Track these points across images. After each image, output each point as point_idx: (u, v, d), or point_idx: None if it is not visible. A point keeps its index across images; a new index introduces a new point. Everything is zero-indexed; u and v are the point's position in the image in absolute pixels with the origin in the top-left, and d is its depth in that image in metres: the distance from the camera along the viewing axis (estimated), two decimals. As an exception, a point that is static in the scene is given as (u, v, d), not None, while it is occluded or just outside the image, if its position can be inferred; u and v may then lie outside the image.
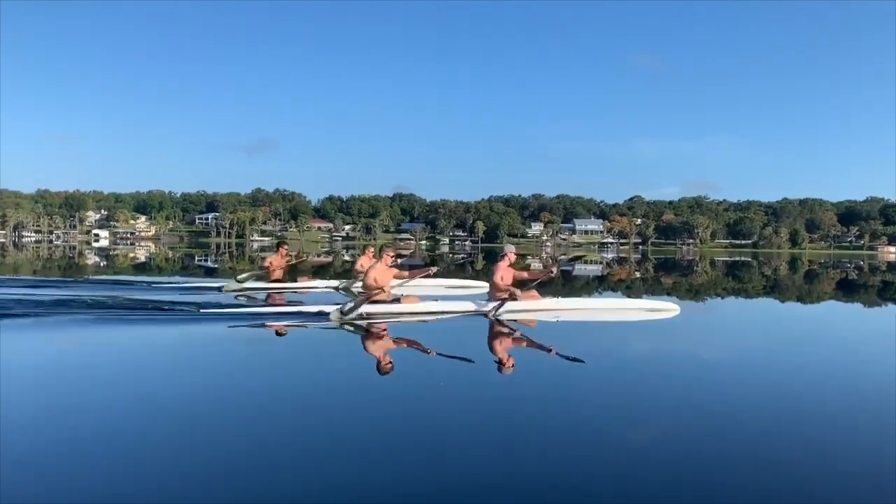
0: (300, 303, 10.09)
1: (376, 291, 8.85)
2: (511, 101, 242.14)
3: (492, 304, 9.16)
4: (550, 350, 6.51)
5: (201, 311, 8.54)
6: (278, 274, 12.69)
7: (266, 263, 12.79)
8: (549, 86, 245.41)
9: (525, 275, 9.70)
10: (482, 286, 10.40)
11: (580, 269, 30.62)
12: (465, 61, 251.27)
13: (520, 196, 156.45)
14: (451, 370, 5.75)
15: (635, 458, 3.51)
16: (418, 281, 12.20)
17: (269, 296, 11.53)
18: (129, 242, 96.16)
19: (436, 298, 9.45)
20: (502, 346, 7.13)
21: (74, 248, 57.30)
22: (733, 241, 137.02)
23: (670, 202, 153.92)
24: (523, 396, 4.85)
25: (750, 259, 54.56)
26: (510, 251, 9.63)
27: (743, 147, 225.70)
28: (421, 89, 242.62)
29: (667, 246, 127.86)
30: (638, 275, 25.65)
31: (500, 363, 6.08)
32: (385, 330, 7.94)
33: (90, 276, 17.03)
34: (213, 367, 5.84)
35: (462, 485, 3.10)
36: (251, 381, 5.26)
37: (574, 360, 5.98)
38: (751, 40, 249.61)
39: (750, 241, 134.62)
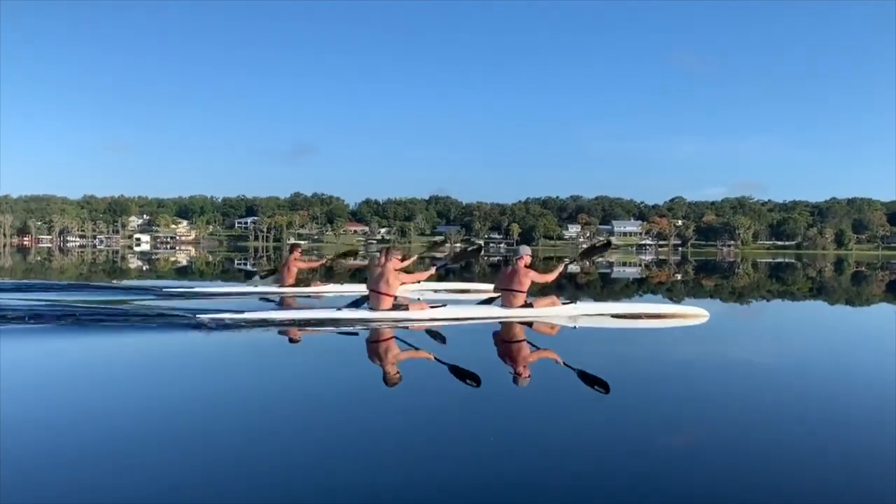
0: (308, 307, 9.78)
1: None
2: (551, 102, 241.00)
3: (507, 311, 8.76)
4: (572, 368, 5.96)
5: (198, 316, 8.12)
6: (291, 278, 12.43)
7: (284, 269, 12.53)
8: (590, 86, 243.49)
9: (541, 278, 9.15)
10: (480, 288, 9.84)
11: (618, 270, 30.17)
12: (505, 62, 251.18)
13: (557, 198, 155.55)
14: (460, 380, 5.45)
15: (655, 478, 3.25)
16: (427, 285, 11.90)
17: (282, 300, 11.26)
18: (169, 247, 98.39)
19: (444, 304, 8.93)
20: (516, 355, 6.75)
21: (116, 252, 58.71)
22: (776, 242, 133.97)
23: (712, 203, 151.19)
24: (538, 408, 4.57)
25: (793, 261, 53.20)
26: (525, 253, 9.07)
27: (791, 146, 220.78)
28: (460, 91, 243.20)
29: (707, 247, 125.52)
30: (679, 277, 25.06)
31: (516, 373, 5.73)
32: (392, 337, 7.53)
33: (86, 280, 16.75)
34: (208, 376, 5.59)
35: (473, 497, 2.94)
36: (248, 389, 5.06)
37: (596, 381, 5.14)
38: (798, 37, 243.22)
39: (793, 243, 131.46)
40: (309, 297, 11.69)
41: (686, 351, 7.29)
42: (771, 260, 54.88)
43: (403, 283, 8.80)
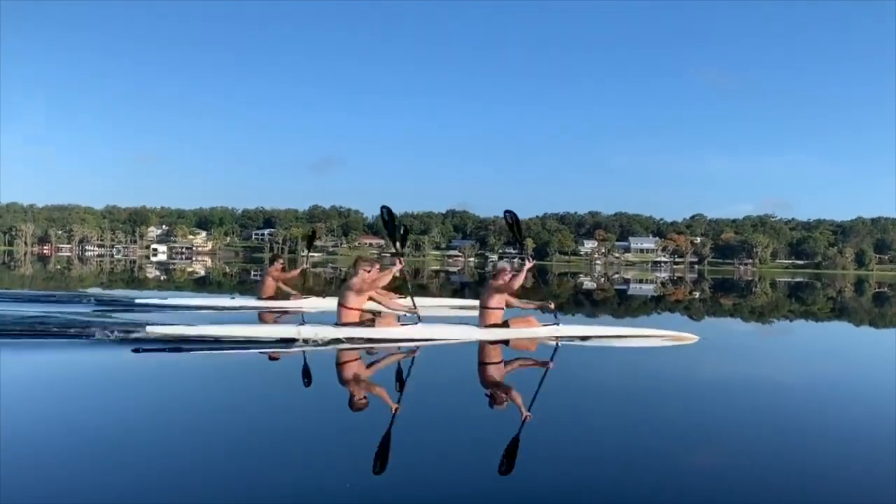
0: (270, 323, 9.42)
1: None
2: (576, 117, 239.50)
3: (482, 332, 8.19)
4: (549, 364, 5.78)
5: (148, 328, 7.67)
6: (271, 291, 11.88)
7: (262, 282, 12.08)
8: (616, 101, 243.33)
9: (518, 303, 8.71)
10: (476, 304, 9.15)
11: (634, 287, 29.91)
12: (529, 77, 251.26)
13: (575, 213, 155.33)
14: (434, 404, 5.14)
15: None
16: (419, 301, 11.62)
17: (259, 315, 10.79)
18: (184, 257, 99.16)
19: (417, 321, 8.34)
20: (491, 376, 6.38)
21: (134, 262, 59.17)
22: (796, 261, 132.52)
23: (733, 220, 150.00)
24: (512, 433, 4.18)
25: (811, 280, 52.46)
26: (504, 269, 8.55)
27: (822, 164, 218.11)
28: (486, 106, 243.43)
29: (724, 266, 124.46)
30: (696, 296, 24.78)
31: (490, 396, 5.40)
32: (358, 357, 7.08)
33: (20, 289, 16.06)
34: (151, 399, 5.15)
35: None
36: (188, 412, 4.75)
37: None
38: (831, 54, 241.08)
39: (812, 262, 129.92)
40: (286, 311, 11.07)
41: (672, 374, 6.95)
42: (789, 279, 54.15)
43: (372, 298, 8.32)
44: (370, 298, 8.38)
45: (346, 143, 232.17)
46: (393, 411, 4.66)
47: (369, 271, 8.18)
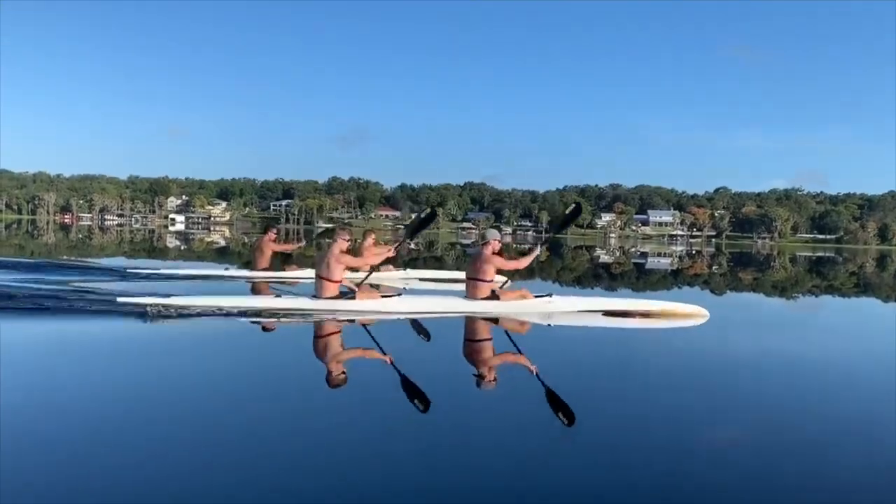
0: (252, 295, 9.13)
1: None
2: (607, 92, 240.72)
3: (471, 304, 7.84)
4: (534, 371, 5.10)
5: (119, 300, 7.38)
6: (265, 261, 11.56)
7: (256, 252, 11.76)
8: (649, 76, 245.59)
9: (511, 264, 8.23)
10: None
11: (652, 261, 29.72)
12: (561, 53, 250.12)
13: (596, 186, 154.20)
14: (415, 381, 4.73)
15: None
16: (387, 274, 11.18)
17: (253, 286, 10.31)
18: (202, 227, 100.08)
19: (400, 293, 8.00)
20: (478, 357, 5.92)
21: (152, 231, 59.72)
22: (817, 235, 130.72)
23: (758, 193, 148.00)
24: (496, 423, 3.94)
25: (832, 255, 51.80)
26: (493, 238, 8.15)
27: (858, 138, 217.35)
28: (513, 81, 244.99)
29: (743, 240, 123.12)
30: (715, 270, 24.59)
31: (476, 379, 4.99)
32: (337, 331, 6.77)
33: (48, 258, 15.45)
34: (126, 370, 5.00)
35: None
36: (160, 387, 4.55)
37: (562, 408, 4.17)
38: (867, 25, 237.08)
39: (834, 237, 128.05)
40: (282, 282, 10.67)
41: (679, 359, 6.29)
42: (809, 254, 53.43)
43: (352, 268, 8.05)
44: (355, 269, 8.15)
45: (371, 119, 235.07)
46: (370, 387, 4.59)
47: (347, 241, 7.82)
